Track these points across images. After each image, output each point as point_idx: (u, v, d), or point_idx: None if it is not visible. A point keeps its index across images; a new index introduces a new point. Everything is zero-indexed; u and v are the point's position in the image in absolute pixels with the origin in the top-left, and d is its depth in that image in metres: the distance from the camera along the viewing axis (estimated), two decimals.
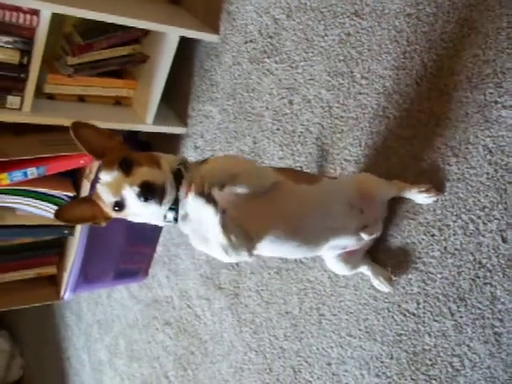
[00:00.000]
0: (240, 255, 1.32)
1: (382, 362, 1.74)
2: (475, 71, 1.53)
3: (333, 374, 1.89)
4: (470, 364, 1.52)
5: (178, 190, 1.31)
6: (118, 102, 2.52)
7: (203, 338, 2.49)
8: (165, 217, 1.33)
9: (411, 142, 1.68)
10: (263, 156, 2.14)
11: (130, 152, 1.32)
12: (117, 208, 1.27)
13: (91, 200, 1.34)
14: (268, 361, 2.14)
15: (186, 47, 2.47)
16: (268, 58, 2.14)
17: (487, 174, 1.50)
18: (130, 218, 1.33)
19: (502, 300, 1.46)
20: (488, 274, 1.49)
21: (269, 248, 1.40)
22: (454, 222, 1.57)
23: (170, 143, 2.66)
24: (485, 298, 1.50)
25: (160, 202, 1.25)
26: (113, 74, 2.46)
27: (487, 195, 1.50)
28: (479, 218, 1.52)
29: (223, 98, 2.35)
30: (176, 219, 1.33)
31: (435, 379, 1.60)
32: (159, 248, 2.76)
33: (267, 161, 2.12)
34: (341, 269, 1.70)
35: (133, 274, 2.83)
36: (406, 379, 1.67)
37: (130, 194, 1.23)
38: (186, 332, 2.61)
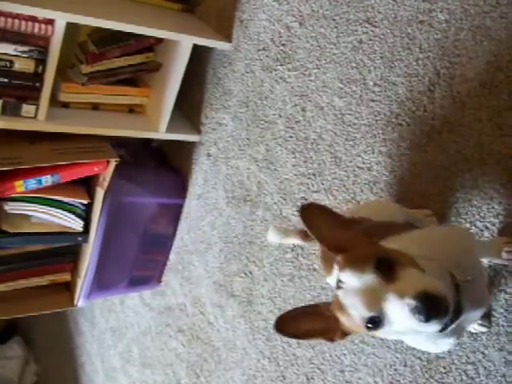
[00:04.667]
0: None
1: (395, 370, 1.73)
2: (488, 78, 1.53)
3: (346, 382, 1.88)
4: (485, 372, 1.51)
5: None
6: (132, 109, 2.54)
7: (216, 346, 2.49)
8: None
9: (424, 149, 1.67)
10: (276, 163, 2.14)
11: (384, 247, 1.05)
12: (371, 325, 0.97)
13: (325, 309, 1.07)
14: (281, 368, 2.14)
15: (199, 55, 2.49)
16: (281, 65, 2.15)
17: (501, 180, 1.49)
18: (381, 336, 1.07)
19: None
20: (502, 281, 1.48)
21: None
22: (469, 229, 1.56)
23: (183, 151, 2.67)
24: (499, 305, 1.49)
25: (443, 322, 0.93)
26: (126, 82, 2.47)
27: (501, 202, 1.49)
28: (493, 225, 1.51)
29: (236, 105, 2.36)
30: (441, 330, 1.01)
31: None
32: (172, 255, 2.77)
33: (280, 168, 2.12)
34: None
35: (146, 281, 2.84)
36: None
37: (397, 307, 0.92)
38: (198, 339, 2.61)
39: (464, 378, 1.56)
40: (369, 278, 0.95)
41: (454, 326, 1.05)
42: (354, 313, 0.98)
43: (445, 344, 1.20)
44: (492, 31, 1.53)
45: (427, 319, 0.89)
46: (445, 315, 0.91)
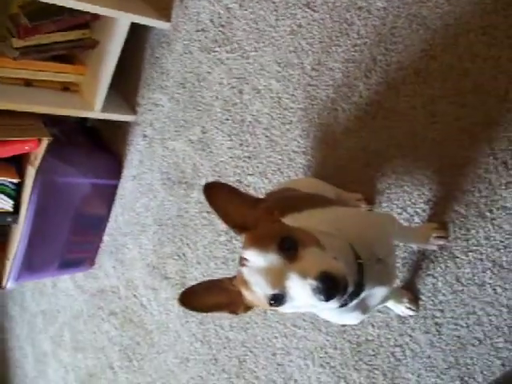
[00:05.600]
0: None
1: (326, 353, 1.75)
2: (423, 66, 1.56)
3: (278, 364, 1.90)
4: (411, 354, 1.55)
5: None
6: (66, 87, 2.47)
7: (149, 329, 2.47)
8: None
9: (359, 134, 1.69)
10: (212, 146, 2.12)
11: (287, 226, 1.05)
12: (273, 302, 0.98)
13: (228, 284, 1.08)
14: (213, 351, 2.14)
15: (137, 34, 2.44)
16: (219, 47, 2.12)
17: (433, 167, 1.52)
18: (284, 311, 1.07)
19: (443, 292, 1.49)
20: (430, 266, 1.51)
21: None
22: (400, 214, 1.59)
23: (119, 131, 2.62)
24: (427, 289, 1.52)
25: (341, 300, 0.96)
26: (61, 58, 2.40)
27: (431, 189, 1.52)
28: (424, 211, 1.54)
29: (173, 86, 2.32)
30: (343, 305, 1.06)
31: (377, 369, 1.62)
32: (106, 237, 2.72)
33: (216, 150, 2.11)
34: None
35: (79, 264, 2.78)
36: (349, 369, 1.69)
37: (299, 286, 0.95)
38: (131, 322, 2.58)
39: (392, 359, 1.59)
40: (272, 258, 0.97)
41: (355, 302, 1.09)
42: (258, 290, 0.99)
43: (349, 318, 1.24)
44: (428, 20, 1.55)
45: (327, 299, 0.92)
46: (343, 294, 0.94)
